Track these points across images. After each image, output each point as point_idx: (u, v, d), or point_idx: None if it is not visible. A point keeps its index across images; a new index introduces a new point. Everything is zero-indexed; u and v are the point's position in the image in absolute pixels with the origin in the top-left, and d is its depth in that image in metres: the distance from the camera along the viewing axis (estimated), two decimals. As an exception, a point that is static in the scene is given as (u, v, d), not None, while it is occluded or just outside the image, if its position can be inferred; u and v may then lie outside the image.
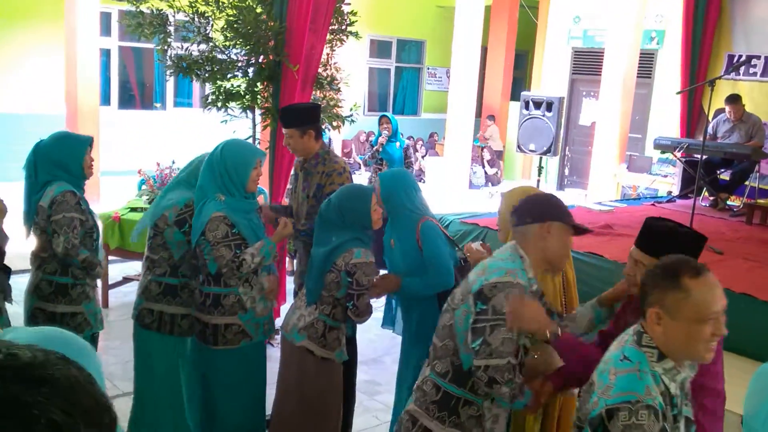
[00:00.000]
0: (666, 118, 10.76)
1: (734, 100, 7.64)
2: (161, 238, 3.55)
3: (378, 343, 5.56)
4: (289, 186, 6.59)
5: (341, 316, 3.37)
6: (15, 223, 3.56)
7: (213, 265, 3.38)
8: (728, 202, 7.87)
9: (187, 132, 12.52)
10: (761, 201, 7.27)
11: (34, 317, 3.55)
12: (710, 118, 8.12)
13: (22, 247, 3.66)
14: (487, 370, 2.38)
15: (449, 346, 2.52)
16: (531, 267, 2.52)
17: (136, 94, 13.64)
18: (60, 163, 3.51)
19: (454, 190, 11.64)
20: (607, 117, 10.65)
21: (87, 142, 3.64)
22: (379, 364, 5.20)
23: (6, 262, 3.40)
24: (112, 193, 9.07)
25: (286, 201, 6.51)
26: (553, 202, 2.62)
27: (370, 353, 5.33)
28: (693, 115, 8.86)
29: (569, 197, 12.08)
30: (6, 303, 3.38)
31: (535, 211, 2.57)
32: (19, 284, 3.61)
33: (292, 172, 6.48)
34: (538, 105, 8.42)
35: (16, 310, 3.51)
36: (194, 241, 3.40)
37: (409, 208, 3.49)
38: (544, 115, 8.32)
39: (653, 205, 8.07)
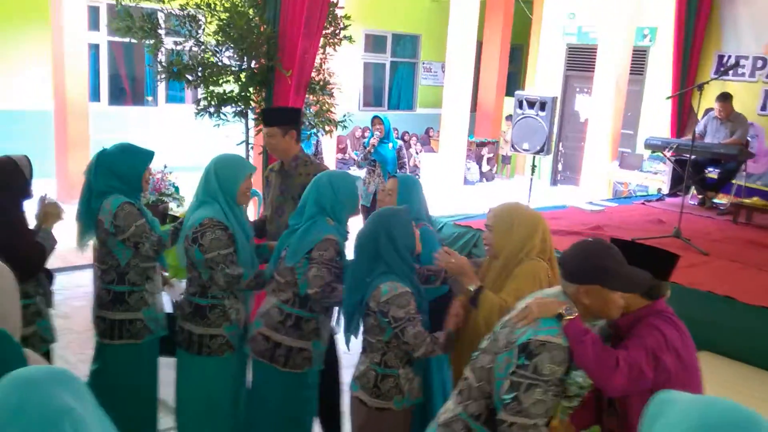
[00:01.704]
0: (658, 115, 10.85)
1: (725, 98, 7.73)
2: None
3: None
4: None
5: (395, 361, 3.10)
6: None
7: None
8: (715, 201, 7.98)
9: (181, 128, 12.54)
10: (747, 200, 7.37)
11: (97, 326, 3.71)
12: (699, 118, 8.22)
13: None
14: (512, 427, 2.32)
15: (485, 390, 2.44)
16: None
17: (127, 88, 13.54)
18: (119, 174, 3.60)
19: (448, 185, 11.73)
20: (600, 114, 10.74)
21: (149, 157, 3.72)
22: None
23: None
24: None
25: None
26: (596, 263, 2.40)
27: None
28: (683, 114, 8.96)
29: (562, 194, 12.18)
30: (49, 308, 3.49)
31: (573, 269, 2.44)
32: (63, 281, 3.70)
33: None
34: (531, 104, 8.49)
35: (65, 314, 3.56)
36: (293, 261, 3.38)
37: (416, 211, 3.56)
38: (537, 115, 8.40)
39: (643, 204, 8.16)
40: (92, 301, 3.78)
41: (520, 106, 8.61)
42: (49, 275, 3.59)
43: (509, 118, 14.78)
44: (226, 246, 3.42)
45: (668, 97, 8.00)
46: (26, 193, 3.45)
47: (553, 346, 2.29)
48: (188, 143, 12.34)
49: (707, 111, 8.20)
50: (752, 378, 4.25)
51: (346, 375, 4.81)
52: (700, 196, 8.10)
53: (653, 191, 9.64)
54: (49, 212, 3.53)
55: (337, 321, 3.89)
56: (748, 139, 7.96)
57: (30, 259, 3.31)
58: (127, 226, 3.53)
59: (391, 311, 2.97)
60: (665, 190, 8.82)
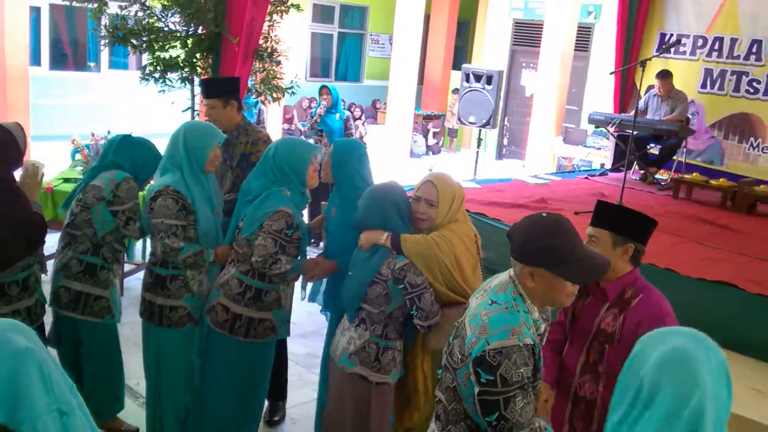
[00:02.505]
0: (601, 91, 11.03)
1: (664, 75, 7.90)
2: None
3: (318, 316, 5.56)
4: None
5: (395, 333, 3.10)
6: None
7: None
8: (657, 176, 8.17)
9: (124, 96, 12.24)
10: (687, 176, 7.56)
11: (57, 295, 3.60)
12: (642, 94, 8.38)
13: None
14: None
15: (459, 410, 2.22)
16: (533, 306, 2.21)
17: (69, 53, 13.17)
18: (134, 162, 3.65)
19: (395, 158, 11.73)
20: (545, 89, 10.87)
21: (160, 158, 3.68)
22: (319, 336, 5.22)
23: None
24: (42, 158, 8.83)
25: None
26: (545, 243, 2.15)
27: (310, 326, 5.37)
28: (626, 90, 9.12)
29: (507, 168, 12.32)
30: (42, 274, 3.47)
31: (519, 245, 2.20)
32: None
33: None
34: (478, 78, 8.53)
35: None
36: (249, 230, 3.33)
37: (357, 179, 3.48)
38: (484, 88, 8.45)
39: (587, 178, 8.30)
40: (54, 268, 3.66)
41: (467, 79, 8.64)
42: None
43: (456, 91, 14.84)
44: (173, 216, 3.36)
45: (611, 73, 8.13)
46: (19, 164, 3.35)
47: (510, 349, 2.06)
48: (133, 109, 12.04)
49: (649, 88, 8.36)
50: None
51: (301, 347, 4.83)
52: (641, 172, 8.28)
53: (596, 166, 9.82)
54: (28, 184, 3.39)
55: (303, 288, 3.88)
56: (689, 116, 8.16)
57: (35, 229, 3.23)
58: (128, 199, 3.55)
59: (407, 278, 2.99)
60: (608, 166, 8.99)
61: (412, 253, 3.00)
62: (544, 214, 2.25)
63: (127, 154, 3.63)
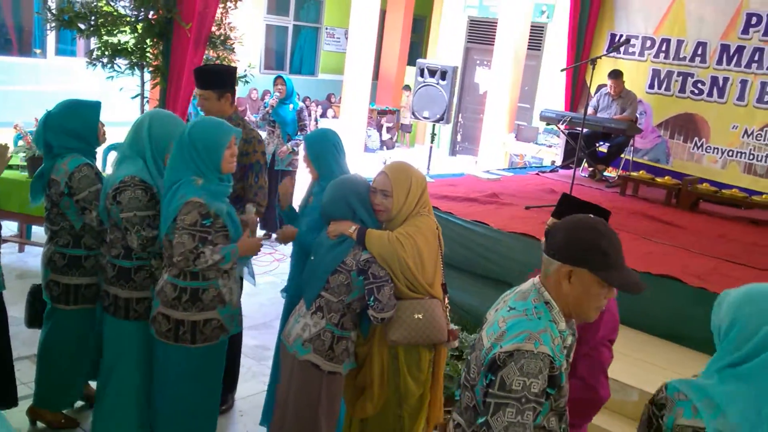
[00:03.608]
0: (553, 90, 11.19)
1: (616, 75, 8.06)
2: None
3: (268, 308, 5.59)
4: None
5: (351, 324, 3.10)
6: None
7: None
8: (605, 174, 8.33)
9: (71, 83, 11.94)
10: (634, 174, 7.73)
11: (49, 288, 3.59)
12: (592, 93, 8.53)
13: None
14: None
15: None
16: (561, 314, 2.03)
17: (13, 39, 12.80)
18: (75, 132, 3.48)
19: (349, 152, 11.69)
20: (499, 86, 10.95)
21: (98, 108, 3.57)
22: (269, 329, 5.22)
23: None
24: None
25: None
26: (592, 243, 1.97)
27: (260, 318, 5.34)
28: (577, 89, 9.27)
29: (460, 164, 12.40)
30: None
31: (562, 243, 2.02)
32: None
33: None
34: (432, 73, 8.56)
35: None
36: (165, 228, 3.13)
37: (335, 168, 3.48)
38: (438, 83, 8.48)
39: (537, 174, 8.42)
40: (41, 264, 3.64)
41: (422, 74, 8.66)
42: None
43: (408, 88, 14.90)
44: (144, 207, 3.26)
45: (563, 69, 8.24)
46: None
47: (521, 354, 1.88)
48: (80, 97, 11.75)
49: (599, 87, 8.52)
50: (642, 341, 4.48)
51: (251, 339, 4.78)
52: (590, 169, 8.43)
53: (547, 163, 9.96)
54: None
55: (251, 275, 3.82)
56: (637, 115, 8.33)
57: None
58: (81, 189, 3.43)
59: (371, 269, 2.98)
60: (558, 162, 9.13)
61: (375, 251, 3.00)
62: (591, 216, 2.09)
63: (61, 133, 3.46)
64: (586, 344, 2.58)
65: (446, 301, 3.25)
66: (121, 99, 6.08)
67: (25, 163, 5.74)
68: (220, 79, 3.97)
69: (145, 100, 5.79)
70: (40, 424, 3.80)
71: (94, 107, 3.57)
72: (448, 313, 3.22)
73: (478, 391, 1.97)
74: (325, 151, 3.52)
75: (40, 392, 3.74)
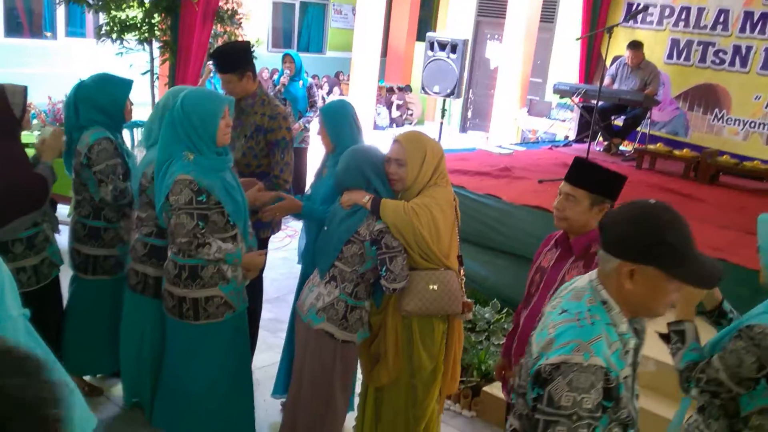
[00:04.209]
0: (566, 63, 11.01)
1: (635, 46, 7.87)
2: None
3: (281, 282, 5.59)
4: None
5: (364, 293, 3.09)
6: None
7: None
8: (620, 148, 8.21)
9: (81, 64, 11.90)
10: (651, 147, 7.61)
11: (72, 256, 3.70)
12: (608, 64, 8.37)
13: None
14: None
15: None
16: (621, 315, 1.81)
17: (24, 21, 12.81)
18: (101, 107, 3.52)
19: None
20: (510, 60, 10.81)
21: (129, 86, 3.62)
22: (283, 302, 5.24)
23: None
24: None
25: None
26: (657, 236, 1.73)
27: (273, 292, 5.36)
28: (592, 61, 9.12)
29: (471, 140, 12.29)
30: (55, 233, 3.55)
31: (620, 237, 1.79)
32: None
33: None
34: (443, 46, 8.43)
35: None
36: (158, 207, 3.09)
37: (350, 139, 3.44)
38: (448, 57, 8.36)
39: (551, 149, 8.32)
40: (68, 232, 3.73)
41: (431, 48, 8.54)
42: (52, 202, 3.60)
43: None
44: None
45: (578, 38, 8.10)
46: (16, 126, 3.30)
47: (569, 367, 1.69)
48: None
49: (615, 58, 8.37)
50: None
51: (266, 311, 4.77)
52: (605, 143, 8.30)
53: (561, 138, 9.84)
54: (48, 145, 3.44)
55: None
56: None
57: (32, 191, 3.28)
58: (98, 161, 3.47)
59: (385, 239, 2.96)
60: (572, 137, 9.01)
61: (389, 221, 2.97)
62: (652, 201, 1.80)
63: (89, 106, 3.51)
64: None
65: (462, 272, 3.21)
66: (132, 77, 6.02)
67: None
68: (237, 60, 3.90)
69: (155, 76, 5.73)
70: None
71: (125, 85, 3.62)
72: (463, 285, 3.19)
73: (529, 401, 1.80)
74: (343, 121, 3.47)
75: (63, 354, 3.76)
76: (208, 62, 6.80)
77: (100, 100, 3.51)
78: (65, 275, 3.71)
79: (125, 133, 3.70)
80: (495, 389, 4.10)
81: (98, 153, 3.46)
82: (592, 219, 2.63)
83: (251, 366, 3.54)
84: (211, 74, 7.88)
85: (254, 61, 3.93)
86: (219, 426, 3.32)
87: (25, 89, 3.37)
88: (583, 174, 2.68)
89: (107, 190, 3.50)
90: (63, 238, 3.68)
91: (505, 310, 5.03)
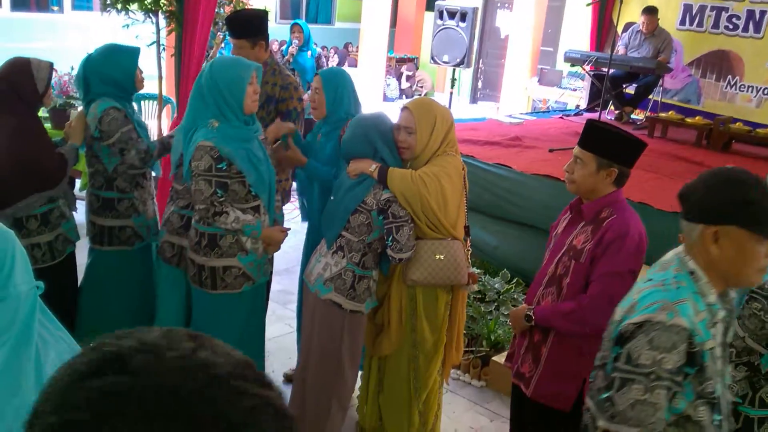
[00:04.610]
0: (577, 31, 10.87)
1: (651, 11, 7.72)
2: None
3: (290, 254, 5.56)
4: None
5: (372, 263, 3.06)
6: None
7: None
8: (632, 116, 8.11)
9: (88, 38, 11.85)
10: (663, 115, 7.51)
11: (88, 229, 3.69)
12: (619, 31, 8.25)
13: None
14: None
15: None
16: (710, 286, 1.78)
17: (31, -5, 12.75)
18: (111, 78, 3.50)
19: (367, 101, 11.55)
20: (521, 29, 10.69)
21: (137, 54, 3.60)
22: (292, 274, 5.23)
23: None
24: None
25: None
26: (737, 195, 1.72)
27: (283, 264, 5.34)
28: (603, 28, 8.98)
29: (481, 111, 12.19)
30: (72, 211, 3.60)
31: (701, 202, 1.77)
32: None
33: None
34: (452, 15, 8.32)
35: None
36: (185, 174, 3.11)
37: (349, 105, 3.44)
38: (458, 26, 8.25)
39: (561, 118, 8.24)
40: (84, 206, 3.75)
41: (441, 16, 8.43)
42: (70, 179, 3.65)
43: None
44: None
45: (589, 3, 7.96)
46: (37, 101, 3.37)
47: (652, 325, 1.68)
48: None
49: (627, 25, 8.24)
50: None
51: (275, 283, 4.79)
52: (617, 111, 8.21)
53: (572, 107, 9.74)
54: (73, 127, 3.49)
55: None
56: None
57: (49, 169, 3.34)
58: (113, 132, 3.46)
59: (392, 208, 2.93)
60: (583, 106, 8.92)
61: (397, 190, 2.93)
62: (729, 166, 1.82)
63: (98, 78, 3.49)
64: (604, 267, 2.52)
65: (468, 243, 3.18)
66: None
67: (48, 115, 5.70)
68: (252, 26, 3.86)
69: (162, 47, 5.69)
70: None
71: (133, 53, 3.59)
72: (469, 256, 3.16)
73: (609, 368, 1.78)
74: (343, 88, 3.45)
75: (78, 327, 3.79)
76: (218, 33, 6.76)
77: (109, 71, 3.48)
78: (82, 251, 3.73)
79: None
80: (504, 359, 4.10)
81: (109, 123, 3.45)
82: (600, 183, 2.60)
83: (265, 338, 3.53)
84: (222, 45, 7.83)
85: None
86: None
87: (50, 65, 3.40)
88: (591, 137, 2.64)
89: (132, 156, 3.51)
90: (80, 215, 3.70)
91: (515, 280, 5.02)
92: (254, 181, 3.06)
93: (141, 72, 3.62)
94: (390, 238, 2.93)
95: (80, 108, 3.61)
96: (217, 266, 3.11)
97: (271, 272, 4.15)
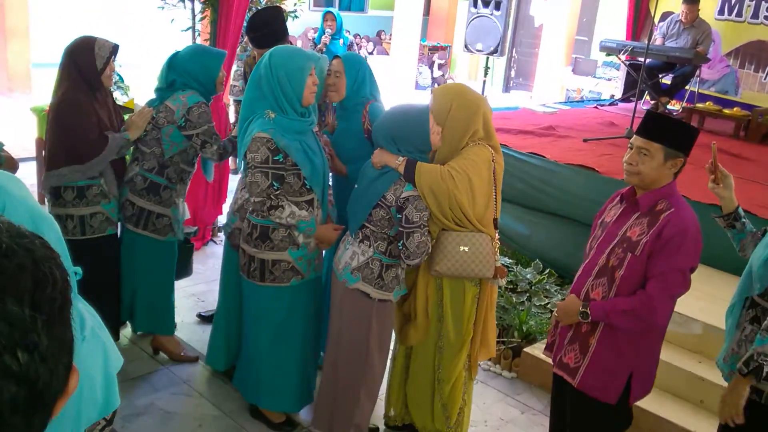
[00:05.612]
0: (613, 20, 10.72)
1: (692, 1, 7.56)
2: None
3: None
4: (234, 83, 6.41)
5: (398, 252, 2.99)
6: None
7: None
8: (668, 107, 7.99)
9: (125, 19, 11.97)
10: (700, 105, 7.40)
11: (123, 208, 3.66)
12: (656, 21, 8.12)
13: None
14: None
15: None
16: None
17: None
18: (195, 77, 3.58)
19: (400, 90, 11.53)
20: (555, 18, 10.58)
21: (222, 58, 3.70)
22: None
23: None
24: (45, 85, 8.67)
25: (228, 99, 6.34)
26: None
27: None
28: (639, 17, 8.85)
29: (514, 99, 12.10)
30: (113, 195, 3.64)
31: None
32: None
33: (237, 68, 6.30)
34: (486, 3, 8.26)
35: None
36: (238, 164, 3.20)
37: (367, 90, 3.43)
38: (492, 14, 8.20)
39: (596, 108, 8.15)
40: (123, 180, 3.72)
41: (475, 4, 8.38)
42: (118, 169, 3.65)
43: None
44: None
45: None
46: (95, 77, 3.43)
47: None
48: (134, 35, 11.82)
49: (665, 15, 8.10)
50: (707, 275, 4.31)
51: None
52: (653, 102, 8.09)
53: (606, 97, 9.63)
54: (133, 122, 3.54)
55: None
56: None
57: (83, 146, 3.41)
58: (201, 124, 3.54)
59: (407, 210, 2.86)
60: (618, 96, 8.81)
61: (425, 186, 2.86)
62: None
63: (183, 75, 3.56)
64: (665, 264, 2.49)
65: (497, 236, 3.08)
66: (173, 31, 6.03)
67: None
68: (272, 32, 3.91)
69: (197, 32, 5.73)
70: (162, 356, 4.01)
71: (218, 57, 3.68)
72: (497, 250, 3.07)
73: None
74: (364, 71, 3.44)
75: (125, 308, 3.89)
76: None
77: (193, 71, 3.56)
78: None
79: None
80: (536, 350, 4.08)
81: (199, 116, 3.52)
82: (664, 174, 2.56)
83: (313, 335, 3.44)
84: None
85: (296, 19, 3.90)
86: (275, 390, 3.37)
87: (114, 47, 3.47)
88: (657, 127, 2.59)
89: (212, 150, 3.59)
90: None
91: (547, 271, 4.99)
92: (309, 174, 3.05)
93: (224, 75, 3.73)
94: (400, 243, 2.90)
95: (144, 105, 3.63)
96: (267, 259, 3.12)
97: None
